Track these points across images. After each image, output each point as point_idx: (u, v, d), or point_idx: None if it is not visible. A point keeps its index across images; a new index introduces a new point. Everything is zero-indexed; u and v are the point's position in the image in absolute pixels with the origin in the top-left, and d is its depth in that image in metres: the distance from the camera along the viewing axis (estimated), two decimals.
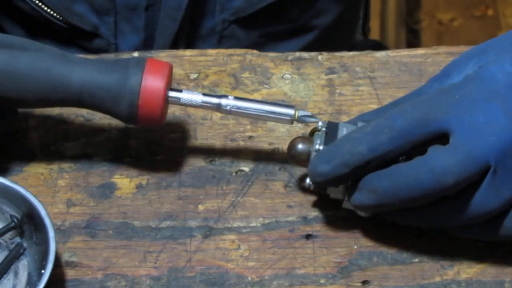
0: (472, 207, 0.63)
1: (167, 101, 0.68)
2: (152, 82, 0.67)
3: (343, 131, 0.67)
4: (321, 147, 0.66)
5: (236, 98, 0.69)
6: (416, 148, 0.63)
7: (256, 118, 0.69)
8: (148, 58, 0.68)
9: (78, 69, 0.67)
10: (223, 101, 0.68)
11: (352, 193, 0.65)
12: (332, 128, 0.67)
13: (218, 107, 0.69)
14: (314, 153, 0.66)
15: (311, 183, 0.66)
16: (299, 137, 0.69)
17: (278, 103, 0.70)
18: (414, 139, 0.63)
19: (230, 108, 0.68)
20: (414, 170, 0.62)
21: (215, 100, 0.69)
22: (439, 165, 0.61)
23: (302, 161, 0.68)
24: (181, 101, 0.69)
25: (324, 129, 0.67)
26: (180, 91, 0.69)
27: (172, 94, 0.68)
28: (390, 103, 0.70)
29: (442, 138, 0.63)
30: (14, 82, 0.66)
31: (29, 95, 0.67)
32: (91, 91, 0.67)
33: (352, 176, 0.64)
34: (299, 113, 0.68)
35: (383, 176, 0.63)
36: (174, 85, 0.75)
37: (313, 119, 0.68)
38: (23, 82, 0.66)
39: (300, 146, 0.68)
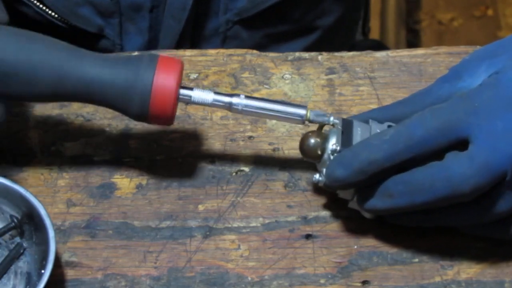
0: (483, 210, 0.63)
1: (177, 99, 0.67)
2: (164, 80, 0.65)
3: (357, 130, 0.67)
4: (338, 148, 0.66)
5: (248, 97, 0.68)
6: (433, 155, 0.63)
7: (268, 117, 0.69)
8: (160, 55, 0.67)
9: (89, 63, 0.66)
10: (235, 100, 0.67)
11: (364, 196, 0.65)
12: (347, 126, 0.67)
13: (229, 106, 0.67)
14: (330, 152, 0.66)
15: (320, 178, 0.66)
16: (311, 131, 0.68)
17: (290, 102, 0.69)
18: (432, 148, 0.63)
19: (241, 107, 0.67)
20: (430, 177, 0.62)
21: (226, 99, 0.67)
22: (456, 174, 0.61)
23: (314, 157, 0.67)
24: (192, 99, 0.67)
25: (340, 127, 0.67)
26: (191, 89, 0.67)
27: (183, 92, 0.67)
28: (399, 101, 0.70)
29: (459, 144, 0.63)
30: (24, 74, 0.65)
31: (38, 88, 0.65)
32: (102, 87, 0.65)
33: (368, 182, 0.64)
34: (311, 113, 0.68)
35: (399, 182, 0.63)
36: None
37: (326, 119, 0.67)
38: (33, 74, 0.65)
39: (312, 141, 0.67)
